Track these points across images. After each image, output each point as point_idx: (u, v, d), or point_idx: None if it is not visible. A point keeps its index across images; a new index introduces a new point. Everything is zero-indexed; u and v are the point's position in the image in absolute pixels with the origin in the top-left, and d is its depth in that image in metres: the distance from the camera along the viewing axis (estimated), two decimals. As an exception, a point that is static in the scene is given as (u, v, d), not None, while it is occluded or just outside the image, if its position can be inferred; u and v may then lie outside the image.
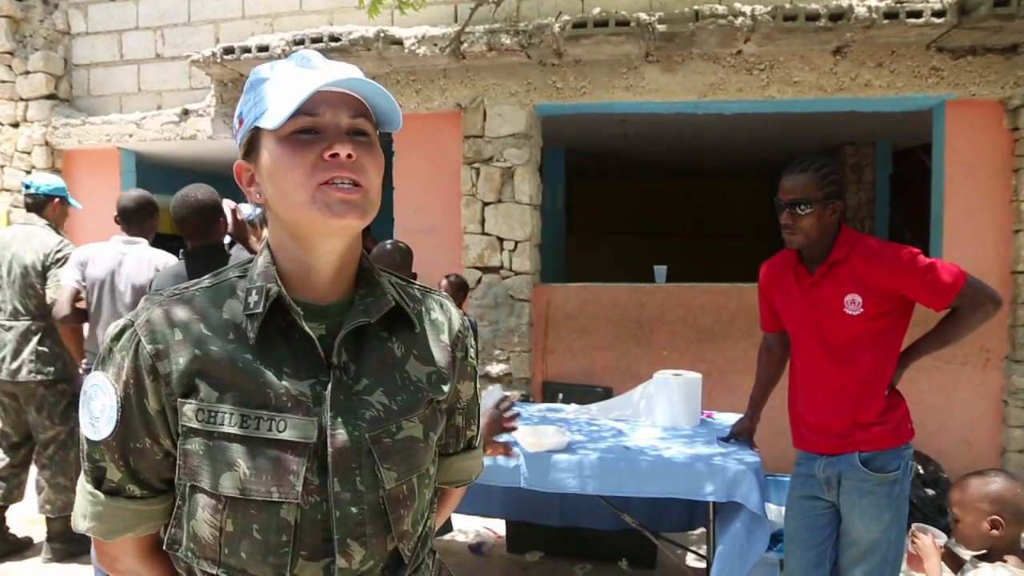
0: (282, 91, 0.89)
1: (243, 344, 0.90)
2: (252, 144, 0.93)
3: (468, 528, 4.06)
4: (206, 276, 0.97)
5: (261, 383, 0.89)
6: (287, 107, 0.86)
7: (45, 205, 3.70)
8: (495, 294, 4.86)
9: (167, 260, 3.19)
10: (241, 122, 0.94)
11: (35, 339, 3.55)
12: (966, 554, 1.97)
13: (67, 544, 3.60)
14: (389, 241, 3.22)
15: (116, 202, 3.33)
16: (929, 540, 1.95)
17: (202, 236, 2.75)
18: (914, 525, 2.01)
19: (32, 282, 3.55)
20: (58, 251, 3.57)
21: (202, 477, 0.88)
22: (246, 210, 3.33)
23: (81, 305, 3.27)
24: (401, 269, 3.03)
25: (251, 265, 0.96)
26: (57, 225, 3.75)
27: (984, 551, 1.91)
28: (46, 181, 3.74)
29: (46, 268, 3.54)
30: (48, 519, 3.62)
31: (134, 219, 3.28)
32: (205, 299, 0.93)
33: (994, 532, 1.87)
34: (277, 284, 0.91)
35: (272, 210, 0.94)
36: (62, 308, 3.23)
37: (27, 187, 3.70)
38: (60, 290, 3.30)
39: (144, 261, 3.18)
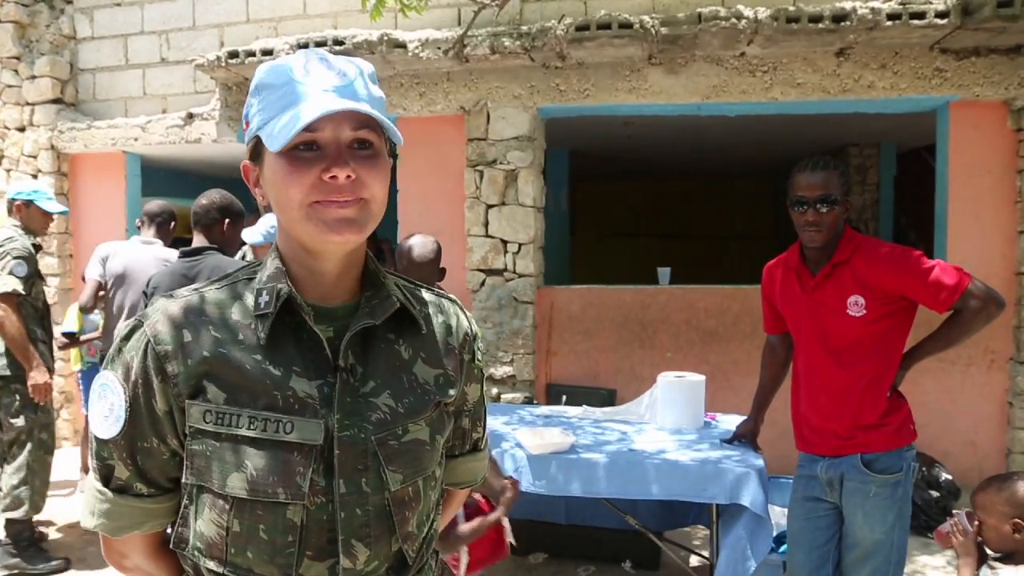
0: (286, 105, 0.88)
1: (252, 345, 0.91)
2: (257, 148, 0.93)
3: (472, 530, 4.05)
4: (216, 279, 0.98)
5: (269, 385, 0.90)
6: (288, 130, 0.85)
7: (10, 209, 3.62)
8: (499, 296, 4.87)
9: (173, 257, 3.40)
10: (247, 124, 0.94)
11: None
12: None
13: (25, 549, 3.52)
14: (419, 236, 3.07)
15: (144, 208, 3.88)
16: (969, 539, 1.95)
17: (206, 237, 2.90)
18: (958, 514, 2.00)
19: None
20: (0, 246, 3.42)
21: (209, 478, 0.89)
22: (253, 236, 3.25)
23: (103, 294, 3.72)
24: (435, 263, 2.98)
25: (260, 267, 0.97)
26: (30, 228, 3.61)
27: (1005, 553, 1.91)
28: (17, 188, 3.66)
29: None
30: (8, 521, 3.53)
31: (155, 222, 3.80)
32: (215, 300, 0.94)
33: (1016, 536, 1.87)
34: (288, 284, 0.92)
35: (276, 214, 0.95)
36: (87, 301, 3.78)
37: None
38: (87, 283, 3.78)
39: (158, 258, 3.62)
